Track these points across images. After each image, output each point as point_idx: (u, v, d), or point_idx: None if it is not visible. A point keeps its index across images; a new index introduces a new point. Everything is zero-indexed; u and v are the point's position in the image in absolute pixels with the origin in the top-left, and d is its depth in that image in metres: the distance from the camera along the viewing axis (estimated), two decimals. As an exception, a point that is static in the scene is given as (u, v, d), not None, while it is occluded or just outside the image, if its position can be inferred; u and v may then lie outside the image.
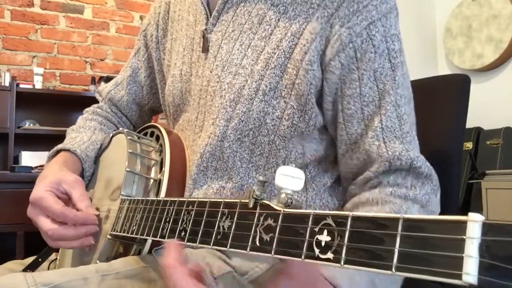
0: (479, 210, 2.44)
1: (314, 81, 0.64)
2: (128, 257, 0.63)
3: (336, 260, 0.31)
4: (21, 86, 2.59)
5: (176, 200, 0.52)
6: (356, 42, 0.62)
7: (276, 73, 0.65)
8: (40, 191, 0.67)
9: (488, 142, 2.67)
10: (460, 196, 2.60)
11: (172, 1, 0.86)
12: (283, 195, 0.38)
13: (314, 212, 0.34)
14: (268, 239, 0.37)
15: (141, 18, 3.22)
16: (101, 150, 0.85)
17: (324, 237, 0.33)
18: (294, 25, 0.65)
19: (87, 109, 0.96)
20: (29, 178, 1.97)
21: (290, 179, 0.38)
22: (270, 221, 0.38)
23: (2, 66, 2.78)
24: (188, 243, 0.47)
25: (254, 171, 0.68)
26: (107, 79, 2.87)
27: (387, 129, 0.62)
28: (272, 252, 0.37)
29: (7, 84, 2.56)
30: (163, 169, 0.69)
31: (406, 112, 0.63)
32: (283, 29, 0.66)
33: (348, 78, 0.63)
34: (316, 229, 0.33)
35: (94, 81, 2.90)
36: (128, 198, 0.66)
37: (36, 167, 2.23)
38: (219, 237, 0.43)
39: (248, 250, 0.39)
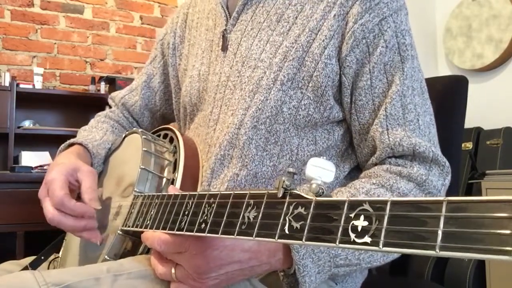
0: (479, 210, 2.44)
1: (331, 74, 0.67)
2: (139, 256, 0.62)
3: (374, 243, 0.30)
4: (21, 86, 2.59)
5: (196, 194, 0.51)
6: (369, 37, 0.66)
7: (294, 65, 0.68)
8: (55, 174, 0.68)
9: (488, 142, 2.67)
10: (460, 196, 2.60)
11: (190, 11, 0.90)
12: (314, 185, 0.37)
13: (349, 199, 0.34)
14: (299, 226, 0.36)
15: (141, 18, 3.22)
16: (112, 150, 0.87)
17: (361, 222, 0.32)
18: (312, 22, 0.69)
19: (99, 113, 0.98)
20: (29, 178, 1.97)
21: (320, 170, 0.38)
22: (300, 210, 0.37)
23: (2, 66, 2.78)
24: (209, 235, 0.46)
25: (268, 159, 0.69)
26: (107, 79, 2.87)
27: (391, 116, 0.65)
28: (303, 239, 0.35)
29: (7, 84, 2.56)
30: (177, 169, 0.69)
31: (413, 103, 0.66)
32: (300, 26, 0.70)
33: (361, 71, 0.67)
34: (352, 215, 0.32)
35: (94, 81, 2.90)
36: (142, 194, 0.66)
37: (36, 167, 2.23)
38: (243, 227, 0.42)
39: (276, 238, 0.38)
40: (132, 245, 0.66)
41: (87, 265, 0.59)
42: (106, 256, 0.64)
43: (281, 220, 0.38)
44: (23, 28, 2.86)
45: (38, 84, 2.73)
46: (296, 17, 0.71)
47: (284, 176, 0.40)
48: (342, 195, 0.61)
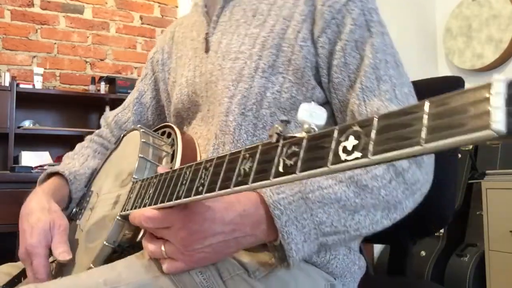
0: (479, 210, 2.44)
1: (309, 56, 0.72)
2: (136, 264, 0.61)
3: (364, 155, 0.31)
4: (21, 86, 2.59)
5: (193, 164, 0.51)
6: (337, 18, 0.70)
7: (272, 52, 0.73)
8: (36, 245, 0.70)
9: (488, 142, 2.67)
10: (460, 196, 2.60)
11: (177, 29, 0.96)
12: (306, 126, 0.38)
13: (339, 126, 0.34)
14: (292, 163, 0.37)
15: (141, 18, 3.22)
16: (110, 151, 0.89)
17: (351, 142, 0.32)
18: (284, 11, 0.75)
19: (87, 136, 1.00)
20: (29, 178, 1.97)
21: (312, 113, 0.39)
22: (294, 148, 0.38)
23: (2, 66, 2.78)
24: (206, 195, 0.46)
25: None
26: (107, 79, 2.87)
27: (366, 89, 0.67)
28: (297, 171, 0.36)
29: (7, 84, 2.56)
30: (174, 159, 0.71)
31: (387, 74, 0.68)
32: (274, 16, 0.75)
33: (334, 50, 0.71)
34: (342, 138, 0.33)
35: (94, 81, 2.90)
36: (142, 179, 0.66)
37: (36, 167, 2.23)
38: (240, 178, 0.42)
39: (271, 178, 0.38)
40: (131, 230, 0.66)
41: (84, 275, 0.59)
42: (105, 242, 0.64)
43: (275, 162, 0.39)
44: (23, 28, 2.86)
45: (38, 84, 2.73)
46: (270, 10, 0.77)
47: (277, 123, 0.41)
48: (316, 181, 0.64)
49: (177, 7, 3.34)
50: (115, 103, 2.64)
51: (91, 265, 0.64)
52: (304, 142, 0.37)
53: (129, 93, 3.10)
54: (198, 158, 0.74)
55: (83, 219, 0.81)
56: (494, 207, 2.28)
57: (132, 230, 0.65)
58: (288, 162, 0.38)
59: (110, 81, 2.86)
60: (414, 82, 1.01)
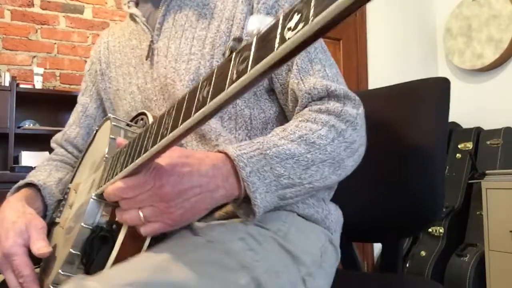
0: (479, 210, 2.44)
1: None
2: (129, 262, 0.59)
3: (306, 23, 0.32)
4: (21, 86, 2.59)
5: (157, 118, 0.53)
6: (272, 12, 0.78)
7: (222, 50, 0.78)
8: (11, 245, 0.69)
9: (488, 142, 2.67)
10: (460, 196, 2.60)
11: (110, 39, 0.99)
12: (255, 31, 0.38)
13: (284, 12, 0.35)
14: (244, 66, 0.38)
15: (141, 18, 3.22)
16: (85, 149, 0.89)
17: (294, 20, 0.33)
18: (226, 13, 0.81)
19: (42, 161, 1.00)
20: (29, 178, 1.97)
21: (262, 21, 0.39)
22: (245, 54, 0.38)
23: (2, 66, 2.78)
24: (170, 135, 0.47)
25: (228, 134, 0.78)
26: (107, 79, 2.87)
27: (302, 69, 0.76)
28: (248, 70, 0.37)
29: (7, 84, 2.56)
30: None
31: (317, 58, 0.77)
32: (218, 18, 0.81)
33: None
34: (287, 21, 0.34)
35: (94, 81, 2.90)
36: (113, 154, 0.65)
37: (36, 167, 2.23)
38: (199, 104, 0.43)
39: (226, 88, 0.39)
40: (107, 209, 0.64)
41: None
42: (82, 224, 0.62)
43: (229, 73, 0.40)
44: (23, 28, 2.86)
45: (38, 84, 2.73)
46: (212, 13, 0.82)
47: (230, 42, 0.42)
48: (275, 133, 0.70)
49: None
50: (115, 103, 2.64)
51: (71, 249, 0.62)
52: (254, 42, 0.37)
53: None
54: None
55: (62, 218, 0.80)
56: (494, 207, 2.28)
57: (108, 209, 0.64)
58: (240, 67, 0.38)
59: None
60: (403, 84, 1.04)
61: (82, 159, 0.89)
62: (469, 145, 2.72)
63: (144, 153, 0.51)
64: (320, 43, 0.80)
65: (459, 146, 2.76)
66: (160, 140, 0.49)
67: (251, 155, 0.63)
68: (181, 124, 0.45)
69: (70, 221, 0.73)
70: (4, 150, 2.57)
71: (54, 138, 1.04)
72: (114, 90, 0.93)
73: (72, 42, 3.00)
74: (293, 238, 0.69)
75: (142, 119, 0.79)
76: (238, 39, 0.43)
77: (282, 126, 0.72)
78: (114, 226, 0.63)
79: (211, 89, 0.42)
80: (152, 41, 0.86)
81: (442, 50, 3.22)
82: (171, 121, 0.47)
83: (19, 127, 2.58)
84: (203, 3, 0.84)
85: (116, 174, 0.58)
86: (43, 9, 2.92)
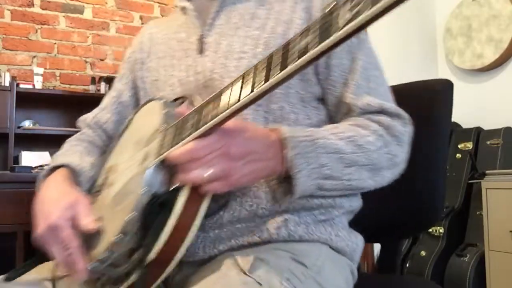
0: (479, 210, 2.44)
1: None
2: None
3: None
4: (21, 86, 2.59)
5: (234, 80, 0.56)
6: None
7: None
8: (58, 218, 0.69)
9: (488, 142, 2.67)
10: (460, 196, 2.60)
11: (155, 30, 0.99)
12: None
13: None
14: (359, 8, 0.42)
15: (141, 18, 3.22)
16: (121, 132, 0.89)
17: None
18: (284, 16, 0.81)
19: (70, 138, 0.98)
20: (29, 178, 1.97)
21: None
22: (350, 4, 0.43)
23: (2, 66, 2.78)
24: (268, 83, 0.50)
25: None
26: (107, 79, 2.87)
27: (358, 85, 0.78)
28: (370, 8, 0.41)
29: (7, 84, 2.56)
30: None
31: (373, 74, 0.81)
32: (274, 20, 0.81)
33: (331, 52, 0.75)
34: None
35: (94, 81, 2.90)
36: (172, 124, 0.66)
37: (36, 167, 2.23)
38: (300, 52, 0.47)
39: (340, 29, 0.43)
40: (166, 176, 0.65)
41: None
42: (141, 191, 0.62)
43: (338, 19, 0.44)
44: (23, 28, 2.86)
45: (38, 84, 2.73)
46: (268, 14, 0.82)
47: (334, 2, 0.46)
48: (326, 128, 0.74)
49: (176, 6, 3.34)
50: (115, 103, 2.64)
51: (130, 216, 0.62)
52: None
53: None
54: None
55: (103, 197, 0.79)
56: (494, 207, 2.28)
57: (168, 175, 0.64)
58: (355, 10, 0.42)
59: (110, 81, 2.86)
60: (408, 84, 1.03)
61: (116, 143, 0.88)
62: (469, 145, 2.72)
63: (226, 110, 0.54)
64: (376, 58, 0.83)
65: (459, 146, 2.76)
66: (254, 88, 0.51)
67: (301, 139, 0.67)
68: (282, 70, 0.48)
69: (117, 195, 0.73)
70: (4, 150, 2.57)
71: (82, 118, 1.03)
72: (152, 80, 0.93)
73: (72, 42, 3.00)
74: (326, 274, 0.71)
75: (182, 102, 0.79)
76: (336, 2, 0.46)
77: (334, 124, 0.77)
78: (173, 192, 0.63)
79: (317, 35, 0.46)
80: (202, 35, 0.86)
81: (442, 50, 3.22)
82: (263, 74, 0.51)
83: (19, 127, 2.58)
84: (259, 3, 0.85)
85: (183, 139, 0.60)
86: (43, 9, 2.92)
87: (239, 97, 0.53)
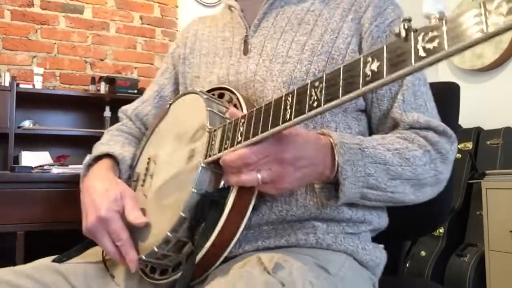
0: (479, 210, 2.44)
1: None
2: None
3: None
4: (21, 86, 2.59)
5: (290, 92, 0.55)
6: (383, 37, 0.79)
7: (322, 59, 0.78)
8: (108, 210, 0.71)
9: (488, 142, 2.67)
10: (460, 196, 2.60)
11: (201, 27, 0.99)
12: (438, 14, 0.43)
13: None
14: (435, 45, 0.40)
15: (141, 18, 3.22)
16: (156, 122, 0.89)
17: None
18: (332, 24, 0.81)
19: (110, 127, 1.00)
20: (29, 178, 1.97)
21: (435, 2, 0.44)
22: (431, 33, 0.41)
23: (2, 66, 2.78)
24: (324, 107, 0.50)
25: None
26: (107, 79, 2.87)
27: (406, 101, 0.78)
28: (446, 47, 0.40)
29: (7, 84, 2.56)
30: (240, 109, 0.72)
31: (420, 90, 0.80)
32: (322, 27, 0.81)
33: None
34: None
35: (94, 81, 2.90)
36: (220, 126, 0.67)
37: (36, 167, 2.23)
38: (367, 79, 0.45)
39: (413, 63, 0.41)
40: (216, 176, 0.67)
41: None
42: (193, 190, 0.65)
43: (412, 50, 0.42)
44: (23, 28, 2.86)
45: (38, 84, 2.73)
46: (316, 20, 0.82)
47: (404, 22, 0.44)
48: (374, 138, 0.74)
49: (177, 7, 3.34)
50: (115, 103, 2.64)
51: (181, 213, 0.64)
52: (444, 25, 0.41)
53: (129, 93, 3.10)
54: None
55: (144, 188, 0.81)
56: (494, 207, 2.28)
57: (216, 175, 0.67)
58: (429, 46, 0.41)
59: (110, 81, 2.87)
60: None
61: (152, 131, 0.89)
62: (469, 145, 2.71)
63: (283, 123, 0.55)
64: (423, 74, 0.82)
65: (459, 146, 2.76)
66: (309, 110, 0.51)
67: (351, 146, 0.67)
68: (341, 97, 0.48)
69: (162, 188, 0.75)
70: (4, 150, 2.57)
71: (123, 108, 1.04)
72: (193, 76, 0.93)
73: (72, 42, 3.00)
74: (348, 283, 0.71)
75: (223, 94, 0.80)
76: (408, 20, 0.45)
77: (381, 135, 0.76)
78: (222, 191, 0.66)
79: (385, 64, 0.44)
80: (247, 36, 0.86)
81: (442, 50, 3.22)
82: (323, 94, 0.50)
83: (19, 127, 2.58)
84: (308, 9, 0.84)
85: (238, 143, 0.61)
86: (43, 9, 2.92)
87: (306, 108, 0.53)
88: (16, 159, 2.57)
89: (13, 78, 2.61)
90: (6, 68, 2.78)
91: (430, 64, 0.41)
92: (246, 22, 0.87)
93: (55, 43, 2.95)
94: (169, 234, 0.65)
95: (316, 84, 0.52)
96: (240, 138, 0.61)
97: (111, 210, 0.71)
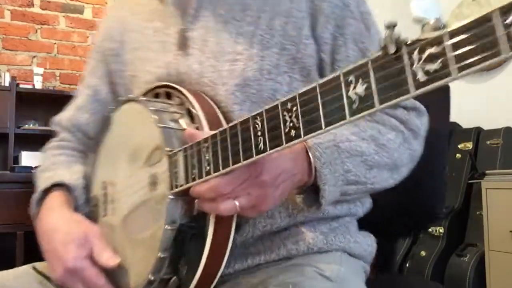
0: (479, 210, 2.44)
1: (313, 53, 0.71)
2: None
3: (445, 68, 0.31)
4: (21, 86, 2.59)
5: (257, 113, 0.49)
6: (336, 12, 0.71)
7: (274, 51, 0.69)
8: (76, 259, 0.65)
9: (488, 142, 2.67)
10: (460, 196, 2.60)
11: (125, 14, 0.84)
12: (432, 21, 0.35)
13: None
14: (437, 67, 0.32)
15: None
16: (100, 135, 0.79)
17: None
18: (279, 6, 0.71)
19: (46, 146, 0.89)
20: (29, 179, 1.97)
21: (426, 4, 0.35)
22: (431, 50, 0.32)
23: (2, 66, 2.78)
24: (306, 136, 0.43)
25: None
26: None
27: None
28: (453, 73, 0.31)
29: (7, 84, 2.56)
30: (197, 118, 0.65)
31: None
32: (269, 12, 0.71)
33: (336, 45, 0.72)
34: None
35: (94, 81, 2.90)
36: (179, 149, 0.60)
37: (36, 167, 2.23)
38: (354, 106, 0.37)
39: (412, 91, 0.33)
40: (187, 205, 0.61)
41: None
42: (167, 226, 0.59)
43: (407, 74, 0.34)
44: (23, 28, 2.86)
45: (38, 84, 2.73)
46: (262, 5, 0.71)
47: (388, 30, 0.35)
48: (345, 132, 0.68)
49: None
50: (115, 103, 2.64)
51: (160, 254, 0.59)
52: (446, 39, 0.32)
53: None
54: (219, 114, 0.69)
55: (107, 217, 0.74)
56: (494, 207, 2.28)
57: (187, 204, 0.61)
58: (431, 67, 0.32)
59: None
60: None
61: (99, 147, 0.79)
62: (469, 145, 2.71)
63: (256, 154, 0.49)
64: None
65: (459, 146, 2.76)
66: (286, 141, 0.45)
67: (326, 146, 0.63)
68: (325, 127, 0.41)
69: (128, 218, 0.69)
70: (4, 150, 2.57)
71: (56, 120, 0.92)
72: (129, 75, 0.81)
73: (72, 42, 3.00)
74: (346, 284, 0.68)
75: (169, 94, 0.71)
76: (393, 26, 0.36)
77: (354, 129, 0.71)
78: (199, 220, 0.61)
79: (373, 87, 0.36)
80: (184, 29, 0.74)
81: (442, 50, 3.22)
82: (300, 121, 0.43)
83: (19, 127, 2.58)
84: None
85: (207, 174, 0.55)
86: (43, 9, 2.92)
87: (283, 138, 0.46)
88: (16, 159, 2.57)
89: (13, 78, 2.61)
90: (6, 68, 2.78)
91: (432, 89, 0.33)
92: (180, 11, 0.75)
93: (55, 43, 2.95)
94: (150, 277, 0.60)
95: (288, 106, 0.45)
96: (208, 168, 0.55)
97: (79, 258, 0.64)
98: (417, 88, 0.33)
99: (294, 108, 0.44)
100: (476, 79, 2.95)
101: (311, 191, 0.63)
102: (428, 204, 0.93)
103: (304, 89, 0.44)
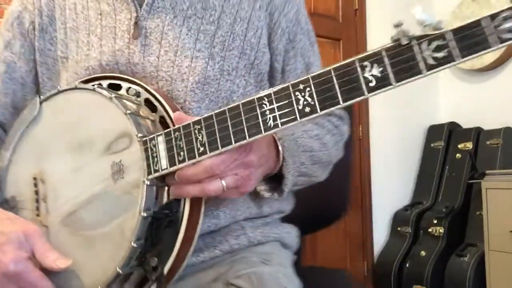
0: (479, 210, 2.44)
1: (268, 61, 0.76)
2: None
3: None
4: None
5: (254, 97, 0.53)
6: (289, 26, 0.77)
7: (235, 54, 0.72)
8: (15, 262, 0.56)
9: (488, 142, 2.67)
10: (460, 196, 2.60)
11: None
12: (434, 23, 0.43)
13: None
14: (445, 54, 0.42)
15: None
16: (27, 127, 0.70)
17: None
18: (241, 12, 0.73)
19: None
20: None
21: (426, 17, 0.44)
22: (437, 42, 0.42)
23: None
24: (317, 114, 0.49)
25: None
26: (107, 79, 2.87)
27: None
28: (454, 58, 0.42)
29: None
30: (160, 106, 0.64)
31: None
32: (230, 15, 0.72)
33: (287, 57, 0.78)
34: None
35: (94, 81, 2.89)
36: (156, 134, 0.58)
37: None
38: (371, 84, 0.45)
39: (424, 73, 0.42)
40: (160, 194, 0.60)
41: None
42: (143, 213, 0.57)
43: (419, 59, 0.42)
44: (23, 28, 2.86)
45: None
46: (223, 6, 0.72)
47: (398, 27, 0.44)
48: (297, 129, 0.73)
49: None
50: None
51: (133, 244, 0.56)
52: (452, 34, 0.42)
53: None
54: (179, 108, 0.69)
55: (39, 216, 0.66)
56: (494, 207, 2.28)
57: (160, 190, 0.60)
58: (438, 54, 0.42)
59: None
60: None
61: (19, 138, 0.70)
62: (469, 145, 2.72)
63: (252, 135, 0.53)
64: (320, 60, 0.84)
65: (459, 146, 2.76)
66: (285, 123, 0.50)
67: (290, 138, 0.69)
68: (329, 106, 0.47)
69: (79, 217, 0.63)
70: (4, 150, 2.56)
71: None
72: (58, 56, 0.75)
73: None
74: (284, 269, 0.72)
75: (118, 86, 0.68)
76: (401, 24, 0.45)
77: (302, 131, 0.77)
78: (171, 206, 0.60)
79: (390, 69, 0.44)
80: (138, 17, 0.70)
81: (442, 50, 3.22)
82: (316, 99, 0.49)
83: (19, 127, 2.57)
84: None
85: (201, 154, 0.55)
86: (43, 9, 2.92)
87: (276, 121, 0.51)
88: (16, 159, 2.57)
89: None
90: None
91: (442, 69, 0.42)
92: None
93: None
94: (119, 270, 0.56)
95: (300, 87, 0.50)
96: (202, 149, 0.55)
97: (20, 261, 0.56)
98: (428, 70, 0.42)
99: (308, 89, 0.49)
100: (476, 79, 2.95)
101: (271, 180, 0.69)
102: (327, 205, 1.03)
103: (317, 72, 0.49)
